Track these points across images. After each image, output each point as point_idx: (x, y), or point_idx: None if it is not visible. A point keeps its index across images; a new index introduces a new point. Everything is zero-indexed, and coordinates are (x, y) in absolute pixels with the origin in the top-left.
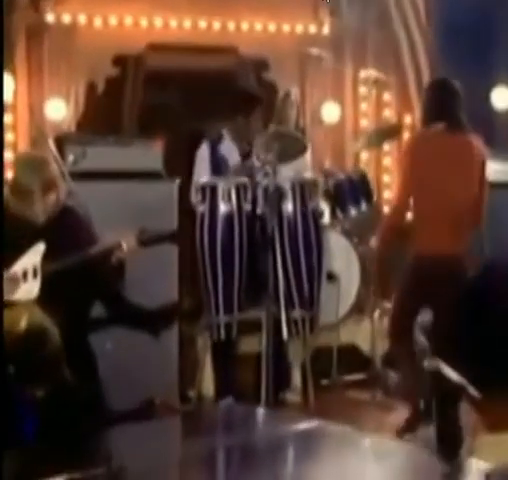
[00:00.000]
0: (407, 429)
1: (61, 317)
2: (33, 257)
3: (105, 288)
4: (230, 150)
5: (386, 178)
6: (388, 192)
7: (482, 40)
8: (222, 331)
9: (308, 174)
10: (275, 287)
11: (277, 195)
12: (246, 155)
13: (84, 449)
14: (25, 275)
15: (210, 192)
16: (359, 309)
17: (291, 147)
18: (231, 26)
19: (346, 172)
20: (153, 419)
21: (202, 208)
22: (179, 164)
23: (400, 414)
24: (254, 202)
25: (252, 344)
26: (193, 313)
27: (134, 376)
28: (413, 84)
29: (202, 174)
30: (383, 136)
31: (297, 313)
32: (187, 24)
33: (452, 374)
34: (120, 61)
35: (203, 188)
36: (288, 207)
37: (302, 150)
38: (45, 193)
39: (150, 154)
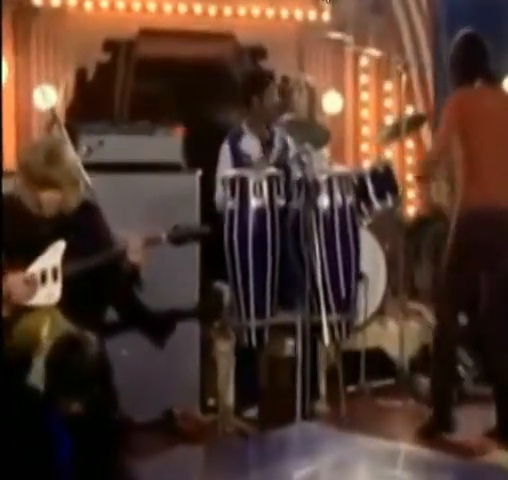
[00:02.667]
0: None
1: (74, 322)
2: (52, 257)
3: (119, 290)
4: (251, 145)
5: None
6: None
7: (490, 23)
8: (253, 337)
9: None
10: (313, 289)
11: (313, 189)
12: (267, 145)
13: None
14: (44, 277)
15: (240, 186)
16: (381, 310)
17: (314, 137)
18: (227, 11)
19: (370, 164)
20: (173, 430)
21: (231, 204)
22: None
23: None
24: (287, 196)
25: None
26: (211, 314)
27: (151, 384)
28: (414, 70)
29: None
30: (410, 126)
31: (334, 316)
32: (182, 9)
33: None
34: (111, 46)
35: (232, 181)
36: (324, 202)
37: (325, 140)
38: (59, 184)
39: (169, 144)
